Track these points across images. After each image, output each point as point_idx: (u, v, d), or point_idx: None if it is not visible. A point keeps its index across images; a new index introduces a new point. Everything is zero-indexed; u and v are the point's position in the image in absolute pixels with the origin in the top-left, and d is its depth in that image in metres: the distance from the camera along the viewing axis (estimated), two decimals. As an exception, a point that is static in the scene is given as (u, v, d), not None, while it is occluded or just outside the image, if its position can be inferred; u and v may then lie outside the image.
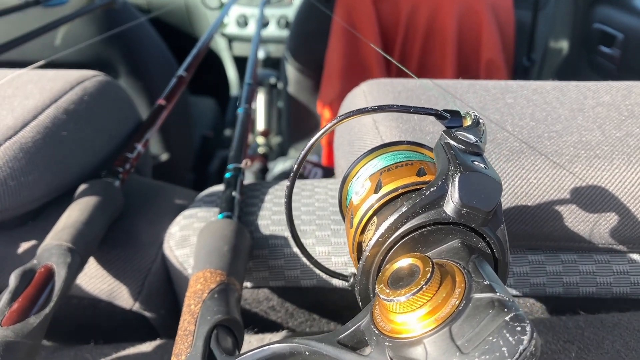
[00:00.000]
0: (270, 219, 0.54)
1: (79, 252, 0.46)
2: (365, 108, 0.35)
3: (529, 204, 0.47)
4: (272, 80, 1.98)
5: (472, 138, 0.35)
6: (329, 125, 0.36)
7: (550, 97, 0.56)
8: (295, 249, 0.51)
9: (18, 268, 0.43)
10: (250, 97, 0.75)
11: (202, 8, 2.13)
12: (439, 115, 0.36)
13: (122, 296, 0.52)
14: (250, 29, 2.15)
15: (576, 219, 0.46)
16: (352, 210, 0.37)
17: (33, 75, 0.63)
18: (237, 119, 0.69)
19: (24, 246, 0.53)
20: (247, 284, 0.53)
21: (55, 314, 0.52)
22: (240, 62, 2.26)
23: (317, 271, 0.51)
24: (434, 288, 0.28)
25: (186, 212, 0.56)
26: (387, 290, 0.28)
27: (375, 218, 0.35)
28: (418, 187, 0.34)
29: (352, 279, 0.42)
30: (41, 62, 0.64)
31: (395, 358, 0.28)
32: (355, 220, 0.36)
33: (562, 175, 0.46)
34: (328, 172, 1.44)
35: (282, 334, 0.51)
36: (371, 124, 0.55)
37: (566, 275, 0.50)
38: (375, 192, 0.35)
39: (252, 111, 0.74)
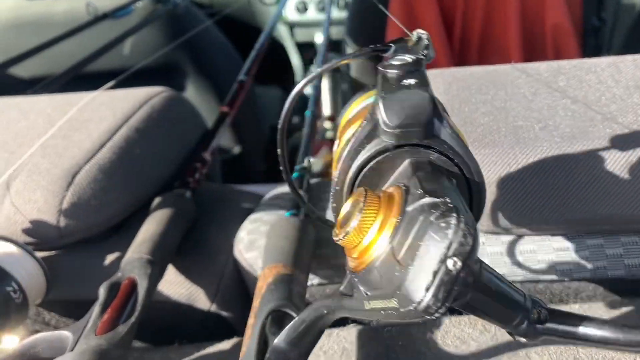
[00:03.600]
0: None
1: (157, 262, 0.50)
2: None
3: (584, 189, 0.47)
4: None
5: (407, 58, 0.32)
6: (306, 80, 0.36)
7: (605, 75, 0.55)
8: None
9: (105, 281, 0.48)
10: (318, 97, 0.78)
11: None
12: (379, 50, 0.34)
13: (200, 299, 0.57)
14: (311, 14, 2.16)
15: (634, 201, 0.46)
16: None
17: (105, 96, 0.68)
18: (305, 121, 0.71)
19: (109, 258, 0.59)
20: (314, 280, 0.55)
21: (141, 319, 0.57)
22: (303, 48, 2.28)
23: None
24: (372, 213, 0.28)
25: (252, 217, 0.59)
26: (337, 231, 0.29)
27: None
28: None
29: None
30: (113, 82, 0.69)
31: (367, 291, 0.28)
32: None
33: (616, 159, 0.45)
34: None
35: (348, 327, 0.53)
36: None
37: (627, 258, 0.49)
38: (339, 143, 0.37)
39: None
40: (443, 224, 0.24)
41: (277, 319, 0.40)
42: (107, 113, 0.64)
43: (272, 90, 2.14)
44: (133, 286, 0.48)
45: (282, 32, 2.29)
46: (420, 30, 0.35)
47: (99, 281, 0.57)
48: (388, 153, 0.32)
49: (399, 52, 0.33)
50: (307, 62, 2.32)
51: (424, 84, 0.31)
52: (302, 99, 2.15)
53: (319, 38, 2.15)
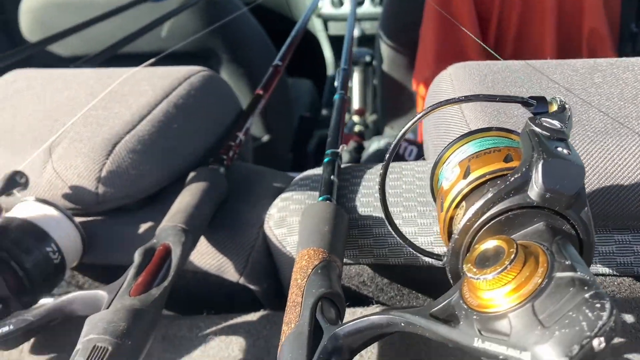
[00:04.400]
0: (359, 201, 0.58)
1: (191, 232, 0.52)
2: (452, 99, 0.37)
3: (614, 184, 0.47)
4: (367, 58, 1.99)
5: (556, 124, 0.37)
6: (417, 117, 0.39)
7: None
8: (383, 229, 0.55)
9: (141, 247, 0.50)
10: (346, 83, 0.79)
11: (300, -8, 2.17)
12: (525, 103, 0.38)
13: (229, 271, 0.58)
14: (346, 8, 2.17)
15: None
16: (442, 195, 0.40)
17: (145, 72, 0.70)
18: (334, 105, 0.72)
19: (143, 227, 0.61)
20: None
21: (172, 287, 0.59)
22: (336, 42, 2.29)
23: (405, 250, 0.54)
24: (518, 267, 0.31)
25: (283, 195, 0.61)
26: (475, 269, 0.31)
27: (464, 203, 0.38)
28: (505, 172, 0.37)
29: (445, 258, 0.45)
30: (152, 60, 0.71)
31: (482, 330, 0.31)
32: (445, 205, 0.39)
33: None
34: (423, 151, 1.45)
35: (372, 307, 0.54)
36: (456, 108, 0.57)
37: None
38: (464, 177, 0.38)
39: (348, 94, 0.77)
40: (598, 305, 0.27)
41: (326, 302, 0.42)
42: (147, 88, 0.66)
43: (304, 83, 2.15)
44: (167, 252, 0.50)
45: (316, 25, 2.30)
46: (561, 99, 0.38)
47: (132, 248, 0.59)
48: (527, 209, 0.35)
49: (540, 111, 0.38)
50: (339, 56, 2.33)
51: (575, 157, 0.34)
52: (332, 93, 2.16)
53: (355, 31, 2.15)
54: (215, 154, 0.65)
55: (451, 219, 0.39)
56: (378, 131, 2.01)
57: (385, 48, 1.64)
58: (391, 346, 0.48)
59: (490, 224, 0.35)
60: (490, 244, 0.32)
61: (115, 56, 1.15)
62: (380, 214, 0.56)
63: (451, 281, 0.39)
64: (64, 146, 0.59)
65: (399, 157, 1.50)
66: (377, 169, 0.64)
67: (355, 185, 0.61)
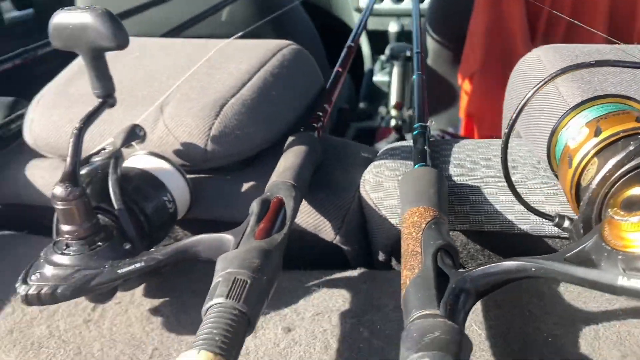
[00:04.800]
0: (453, 171, 0.61)
1: (298, 188, 0.55)
2: (582, 63, 0.40)
3: None
4: (408, 52, 2.01)
5: None
6: (544, 80, 0.41)
7: None
8: (480, 197, 0.57)
9: (257, 198, 0.52)
10: (422, 64, 0.81)
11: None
12: None
13: (325, 230, 0.61)
14: (385, 4, 2.20)
15: None
16: (569, 153, 0.43)
17: (238, 44, 0.73)
18: (414, 84, 0.75)
19: (245, 186, 0.64)
20: None
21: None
22: (375, 36, 2.32)
23: (501, 217, 0.56)
24: None
25: (376, 163, 0.64)
26: (622, 212, 0.33)
27: (595, 158, 0.40)
28: (638, 131, 0.39)
29: (557, 219, 0.47)
30: (240, 34, 0.75)
31: (627, 269, 0.33)
32: (575, 162, 0.42)
33: None
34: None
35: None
36: (552, 85, 0.59)
37: None
38: (595, 136, 0.41)
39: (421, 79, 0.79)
40: None
41: (443, 253, 0.44)
42: (244, 57, 0.69)
43: None
44: (281, 204, 0.52)
45: (356, 20, 2.32)
46: None
47: (234, 205, 0.62)
48: None
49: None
50: (376, 51, 2.36)
51: None
52: (370, 87, 2.18)
53: (392, 27, 2.18)
54: (306, 123, 0.67)
55: (580, 174, 0.42)
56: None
57: (430, 41, 1.67)
58: (494, 304, 0.51)
59: (628, 176, 0.37)
60: (637, 190, 0.35)
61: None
62: (476, 183, 0.59)
63: (578, 233, 0.41)
64: (173, 105, 0.62)
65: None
66: (464, 143, 0.67)
67: (446, 156, 0.64)
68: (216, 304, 0.40)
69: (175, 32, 1.24)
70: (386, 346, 0.48)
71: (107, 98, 0.55)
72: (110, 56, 0.73)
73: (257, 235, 0.48)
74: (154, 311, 0.55)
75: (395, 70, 2.06)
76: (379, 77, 2.28)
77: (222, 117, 0.61)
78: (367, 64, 2.35)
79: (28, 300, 0.47)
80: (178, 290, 0.56)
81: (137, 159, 0.59)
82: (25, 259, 0.61)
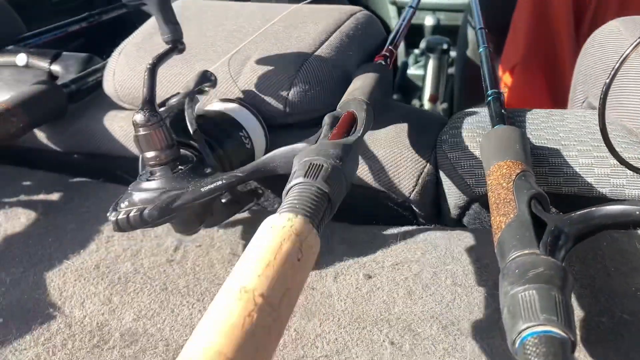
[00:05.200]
0: (531, 134, 0.61)
1: (370, 104, 0.55)
2: None
3: None
4: (444, 46, 2.01)
5: None
6: (632, 46, 0.41)
7: None
8: (560, 159, 0.58)
9: (329, 113, 0.53)
10: (486, 40, 0.82)
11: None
12: None
13: (399, 189, 0.62)
14: (422, -3, 2.19)
15: None
16: None
17: (315, 8, 0.74)
18: (481, 57, 0.76)
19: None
20: None
21: (348, 201, 0.63)
22: (408, 30, 2.32)
23: (580, 180, 0.57)
24: None
25: (451, 124, 0.64)
26: None
27: None
28: None
29: None
30: (306, 2, 0.76)
31: None
32: None
33: None
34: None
35: None
36: (635, 53, 0.59)
37: None
38: None
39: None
40: None
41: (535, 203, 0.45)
42: (321, 19, 0.70)
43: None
44: (352, 117, 0.52)
45: (390, 12, 2.33)
46: None
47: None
48: None
49: None
50: (409, 45, 2.36)
51: None
52: (404, 80, 2.17)
53: (428, 21, 2.18)
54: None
55: None
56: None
57: (471, 33, 1.67)
58: (577, 259, 0.51)
59: None
60: None
61: None
62: (555, 145, 0.59)
63: None
64: (255, 59, 0.63)
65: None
66: (537, 111, 0.67)
67: (521, 122, 0.64)
68: (295, 185, 0.40)
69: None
70: (470, 294, 0.49)
71: (176, 43, 0.58)
72: (187, 16, 0.75)
73: (332, 137, 0.48)
74: (234, 255, 0.56)
75: (431, 63, 2.06)
76: (412, 71, 2.28)
77: (303, 72, 0.62)
78: (401, 57, 2.36)
79: (119, 225, 0.48)
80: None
81: (213, 106, 0.60)
82: (103, 205, 0.62)
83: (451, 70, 2.11)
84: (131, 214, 0.47)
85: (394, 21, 2.34)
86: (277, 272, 0.32)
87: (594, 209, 0.42)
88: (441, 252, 0.54)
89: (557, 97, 1.48)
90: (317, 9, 0.75)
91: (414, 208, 0.63)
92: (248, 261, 0.33)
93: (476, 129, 0.63)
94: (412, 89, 2.25)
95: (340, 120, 0.52)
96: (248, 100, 0.62)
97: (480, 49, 0.81)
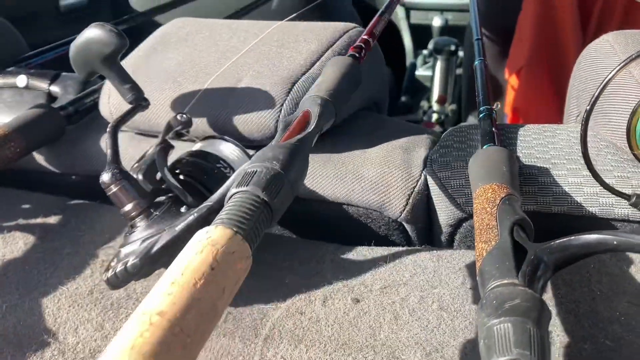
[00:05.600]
0: (521, 153, 0.61)
1: (330, 101, 0.54)
2: None
3: None
4: (452, 47, 2.01)
5: None
6: (630, 58, 0.41)
7: None
8: (549, 179, 0.58)
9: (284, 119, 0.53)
10: (482, 50, 0.81)
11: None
12: None
13: (390, 208, 0.62)
14: (430, -3, 2.20)
15: None
16: None
17: (307, 25, 0.75)
18: (476, 70, 0.75)
19: (310, 163, 0.65)
20: None
21: (339, 221, 0.64)
22: (417, 31, 2.32)
23: (569, 199, 0.57)
24: None
25: (442, 143, 0.65)
26: None
27: None
28: None
29: (634, 198, 0.48)
30: (292, 16, 0.76)
31: None
32: None
33: None
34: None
35: None
36: (624, 70, 0.59)
37: None
38: None
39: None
40: None
41: (518, 229, 0.45)
42: (313, 37, 0.71)
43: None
44: (307, 116, 0.52)
45: (398, 14, 2.33)
46: None
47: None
48: None
49: None
50: (418, 45, 2.36)
51: None
52: (412, 81, 2.17)
53: (436, 22, 2.17)
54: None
55: None
56: (457, 121, 2.02)
57: (478, 34, 1.65)
58: (563, 282, 0.51)
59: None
60: None
61: None
62: (544, 164, 0.59)
63: None
64: (246, 82, 0.64)
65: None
66: (529, 127, 0.67)
67: (512, 139, 0.64)
68: (229, 197, 0.41)
69: (233, 17, 1.26)
70: (455, 319, 0.49)
71: (139, 101, 0.61)
72: (182, 36, 0.76)
73: (284, 139, 0.48)
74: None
75: (439, 65, 2.05)
76: (421, 72, 2.28)
77: (293, 95, 0.62)
78: (409, 58, 2.35)
79: (110, 283, 0.50)
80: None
81: (193, 147, 0.61)
82: (99, 228, 0.64)
83: (459, 70, 2.10)
84: (117, 270, 0.48)
85: (402, 22, 2.34)
86: (182, 287, 0.33)
87: (572, 237, 0.42)
88: (429, 275, 0.54)
89: (563, 100, 1.47)
90: (310, 26, 0.75)
91: (406, 227, 0.64)
92: (158, 282, 0.34)
93: (466, 148, 0.63)
94: (420, 90, 2.24)
95: (294, 122, 0.52)
96: (238, 123, 0.63)
97: (476, 62, 0.80)
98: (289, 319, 0.51)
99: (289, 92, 0.62)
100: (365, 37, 0.67)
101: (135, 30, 1.06)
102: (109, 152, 0.53)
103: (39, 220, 0.65)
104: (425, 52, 2.31)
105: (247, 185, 0.41)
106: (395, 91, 2.17)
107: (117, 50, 0.57)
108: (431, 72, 2.10)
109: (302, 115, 0.52)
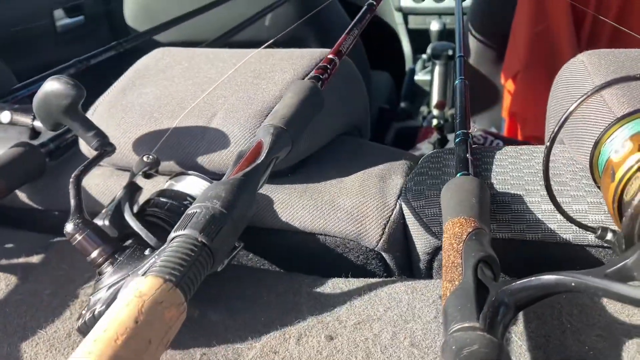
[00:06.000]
0: (495, 179, 0.61)
1: (286, 129, 0.53)
2: (627, 77, 0.40)
3: None
4: (449, 52, 2.00)
5: None
6: (587, 94, 0.41)
7: None
8: (523, 206, 0.57)
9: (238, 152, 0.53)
10: (463, 69, 0.81)
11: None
12: None
13: (367, 237, 0.62)
14: (427, 3, 2.18)
15: None
16: (611, 166, 0.43)
17: (283, 53, 0.75)
18: (456, 90, 0.75)
19: (288, 192, 0.65)
20: None
21: (317, 252, 0.64)
22: (415, 35, 2.31)
23: (543, 227, 0.57)
24: None
25: (417, 171, 0.65)
26: None
27: (639, 174, 0.40)
28: None
29: (599, 232, 0.47)
30: (270, 42, 0.76)
31: None
32: (618, 175, 0.42)
33: None
34: (509, 144, 1.45)
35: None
36: (597, 95, 0.59)
37: None
38: (639, 150, 0.41)
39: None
40: None
41: (483, 265, 0.45)
42: (289, 67, 0.71)
43: (382, 75, 2.18)
44: (259, 146, 0.52)
45: (396, 19, 2.32)
46: None
47: (277, 211, 0.64)
48: None
49: None
50: (417, 50, 2.35)
51: None
52: (411, 86, 2.16)
53: (434, 26, 2.16)
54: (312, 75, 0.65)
55: (623, 188, 0.42)
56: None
57: (473, 40, 1.65)
58: (534, 315, 0.51)
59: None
60: None
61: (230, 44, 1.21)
62: (518, 191, 0.59)
63: (620, 248, 0.42)
64: (221, 116, 0.64)
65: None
66: (507, 150, 0.67)
67: (488, 164, 0.64)
68: (171, 238, 0.42)
69: (221, 38, 1.27)
70: (426, 356, 0.49)
71: (104, 147, 0.61)
72: (161, 68, 0.76)
73: (235, 172, 0.48)
74: (202, 316, 0.57)
75: (437, 70, 2.04)
76: (420, 77, 2.27)
77: None
78: (408, 63, 2.35)
79: (82, 332, 0.51)
80: (225, 296, 0.58)
81: (166, 184, 0.62)
82: (79, 265, 0.64)
83: (458, 75, 2.09)
84: (87, 318, 0.49)
85: (401, 27, 2.33)
86: (104, 344, 0.33)
87: (532, 278, 0.42)
88: (403, 309, 0.54)
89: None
90: (287, 54, 0.75)
91: (384, 256, 0.64)
92: (84, 340, 0.34)
93: (441, 175, 0.63)
94: (420, 95, 2.24)
95: (247, 154, 0.51)
96: (214, 157, 0.63)
97: (456, 81, 0.80)
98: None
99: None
100: (331, 56, 0.67)
101: (124, 56, 1.07)
102: (72, 202, 0.54)
103: (21, 259, 0.65)
104: (424, 56, 2.31)
105: (184, 229, 0.41)
106: (396, 97, 2.17)
107: (75, 101, 0.57)
108: (430, 77, 2.09)
109: (255, 146, 0.52)
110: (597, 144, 0.48)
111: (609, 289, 0.37)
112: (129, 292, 0.36)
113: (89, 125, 0.60)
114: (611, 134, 0.46)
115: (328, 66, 0.65)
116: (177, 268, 0.38)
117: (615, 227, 0.48)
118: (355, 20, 0.77)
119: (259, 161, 0.49)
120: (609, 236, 0.47)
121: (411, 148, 1.76)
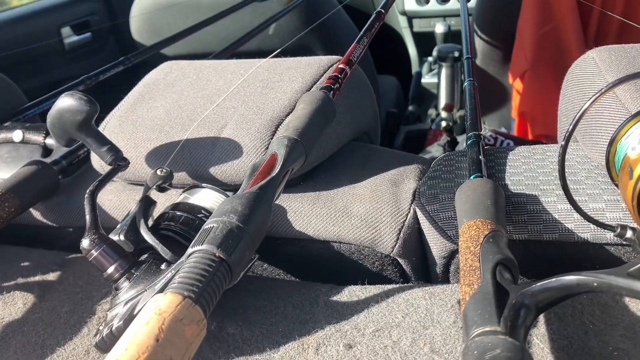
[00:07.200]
0: (509, 180, 0.60)
1: (299, 141, 0.53)
2: (636, 73, 0.39)
3: None
4: (456, 53, 1.99)
5: None
6: (598, 93, 0.41)
7: None
8: (538, 206, 0.57)
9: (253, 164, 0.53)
10: (472, 71, 0.81)
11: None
12: None
13: (382, 244, 0.62)
14: (431, 6, 2.18)
15: None
16: (629, 163, 0.42)
17: (291, 62, 0.75)
18: (465, 92, 0.75)
19: (299, 201, 0.65)
20: None
21: (332, 259, 0.63)
22: (420, 38, 2.31)
23: (560, 226, 0.56)
24: None
25: (430, 174, 0.64)
26: None
27: None
28: None
29: (618, 229, 0.47)
30: (276, 52, 0.76)
31: None
32: (636, 172, 0.41)
33: None
34: (520, 144, 1.44)
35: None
36: (610, 92, 0.58)
37: None
38: None
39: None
40: None
41: (502, 268, 0.44)
42: (297, 75, 0.71)
43: (389, 79, 2.18)
44: (274, 158, 0.51)
45: (401, 22, 2.32)
46: None
47: (289, 221, 0.64)
48: None
49: None
50: (423, 53, 2.35)
51: None
52: (418, 89, 2.16)
53: (439, 28, 2.16)
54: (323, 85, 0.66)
55: None
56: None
57: (479, 41, 1.65)
58: (555, 316, 0.50)
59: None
60: None
61: (237, 54, 1.22)
62: (533, 191, 0.58)
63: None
64: (232, 127, 0.64)
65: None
66: (519, 150, 0.66)
67: (501, 165, 0.63)
68: (189, 254, 0.41)
69: (227, 50, 1.27)
70: None
71: (118, 162, 0.62)
72: (169, 81, 0.76)
73: (250, 185, 0.48)
74: (220, 329, 0.57)
75: (444, 72, 2.04)
76: (427, 79, 2.27)
77: None
78: (415, 66, 2.34)
79: (99, 348, 0.50)
80: (242, 307, 0.58)
81: (180, 197, 0.62)
82: (96, 283, 0.64)
83: (465, 76, 2.08)
84: (104, 334, 0.48)
85: (406, 31, 2.33)
86: None
87: (553, 279, 0.41)
88: (422, 315, 0.54)
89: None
90: (295, 62, 0.75)
91: (400, 262, 0.63)
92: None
93: (454, 178, 0.63)
94: (427, 98, 2.23)
95: (261, 166, 0.51)
96: (225, 168, 0.63)
97: (465, 83, 0.80)
98: None
99: (272, 135, 0.63)
100: (342, 65, 0.67)
101: (132, 70, 1.07)
102: (87, 217, 0.54)
103: (38, 278, 0.66)
104: (430, 59, 2.30)
105: (202, 244, 0.41)
106: (403, 101, 2.16)
107: (90, 116, 0.58)
108: (437, 80, 2.09)
109: (270, 158, 0.52)
110: (612, 141, 0.47)
111: (633, 288, 0.37)
112: (149, 310, 0.36)
113: (103, 140, 0.61)
114: (627, 131, 0.45)
115: (339, 76, 0.65)
116: (195, 284, 0.38)
117: (635, 225, 0.48)
118: (364, 28, 0.77)
119: (274, 174, 0.49)
120: (629, 234, 0.46)
121: (421, 151, 1.75)
